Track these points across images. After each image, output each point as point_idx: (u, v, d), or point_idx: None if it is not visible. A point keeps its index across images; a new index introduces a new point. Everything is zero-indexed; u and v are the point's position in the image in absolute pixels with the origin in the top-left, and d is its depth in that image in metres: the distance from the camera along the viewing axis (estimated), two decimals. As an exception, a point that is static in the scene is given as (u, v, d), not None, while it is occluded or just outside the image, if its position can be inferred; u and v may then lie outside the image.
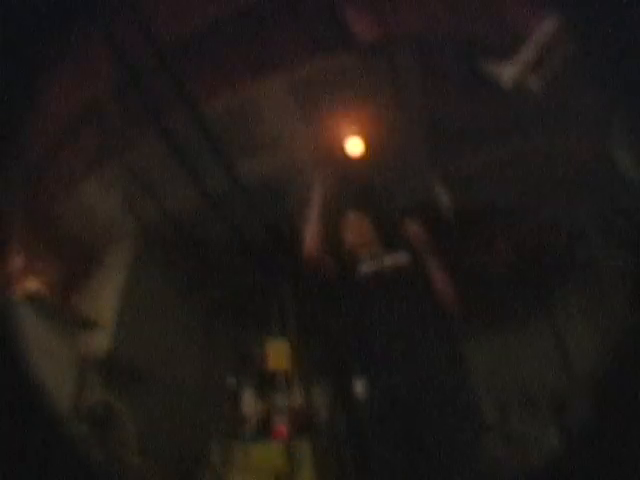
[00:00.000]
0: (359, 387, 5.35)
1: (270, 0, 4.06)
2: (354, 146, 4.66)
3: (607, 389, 1.75)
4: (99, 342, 4.35)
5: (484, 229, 5.42)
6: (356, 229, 3.28)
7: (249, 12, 4.08)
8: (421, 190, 5.23)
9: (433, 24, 3.96)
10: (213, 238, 5.22)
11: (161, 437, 4.35)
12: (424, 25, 3.97)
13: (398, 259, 3.01)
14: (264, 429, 4.78)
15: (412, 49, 4.12)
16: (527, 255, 5.67)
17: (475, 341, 4.67)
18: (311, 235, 2.98)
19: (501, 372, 6.06)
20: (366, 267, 3.04)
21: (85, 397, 4.00)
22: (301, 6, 4.09)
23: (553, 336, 6.25)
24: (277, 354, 5.16)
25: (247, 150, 4.69)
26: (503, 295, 5.71)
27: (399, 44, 4.06)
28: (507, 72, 3.90)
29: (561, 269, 5.85)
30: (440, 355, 2.71)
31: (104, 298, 4.58)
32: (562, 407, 5.81)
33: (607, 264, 5.06)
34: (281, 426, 4.74)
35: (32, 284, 4.09)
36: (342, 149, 4.67)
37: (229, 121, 4.44)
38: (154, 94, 4.19)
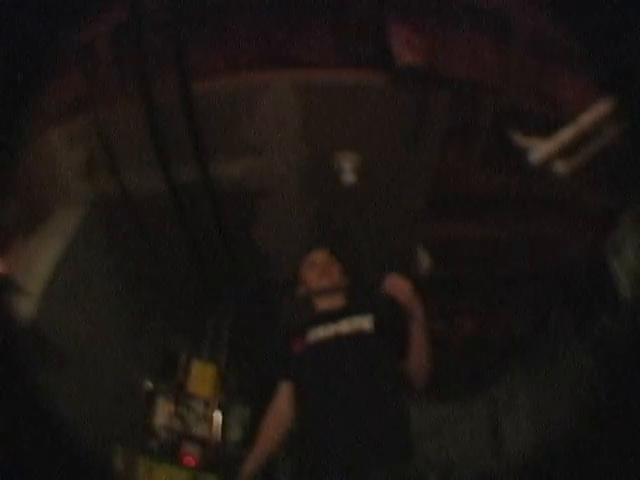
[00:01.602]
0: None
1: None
2: (346, 173, 4.27)
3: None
4: (21, 308, 3.82)
5: (453, 300, 5.26)
6: (321, 270, 3.03)
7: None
8: (402, 242, 4.98)
9: (480, 75, 3.68)
10: (166, 230, 4.72)
11: (65, 425, 3.84)
12: (471, 73, 3.68)
13: (356, 324, 2.72)
14: (173, 450, 4.39)
15: (449, 93, 3.79)
16: (488, 336, 5.62)
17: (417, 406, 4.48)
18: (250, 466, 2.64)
19: (433, 439, 6.09)
20: (321, 333, 2.74)
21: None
22: (343, 10, 3.72)
23: (491, 418, 6.29)
24: (202, 378, 4.82)
25: (228, 147, 4.24)
26: (454, 368, 5.58)
27: (438, 82, 3.73)
28: (539, 149, 3.68)
29: (521, 357, 5.88)
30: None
31: (39, 264, 4.06)
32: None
33: (568, 364, 5.06)
34: (191, 453, 4.36)
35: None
36: (332, 173, 4.29)
37: (219, 111, 3.98)
38: (151, 59, 3.69)
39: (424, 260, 4.83)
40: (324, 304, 2.97)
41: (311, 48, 3.85)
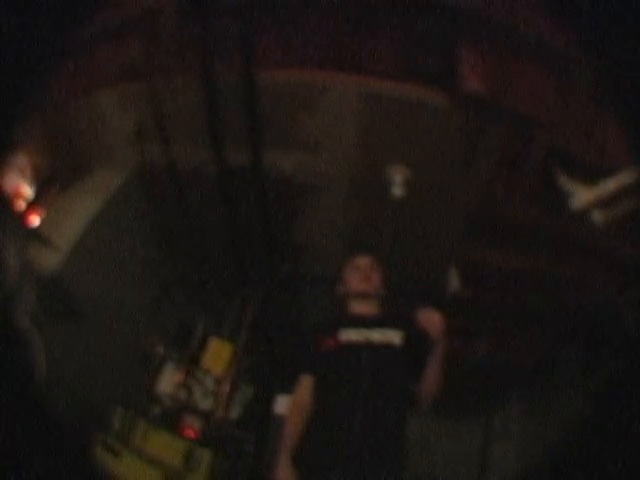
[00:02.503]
0: (279, 406, 5.12)
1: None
2: (396, 186, 4.34)
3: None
4: (48, 262, 3.96)
5: (473, 321, 5.33)
6: (364, 274, 3.08)
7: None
8: (436, 260, 5.09)
9: (539, 112, 3.72)
10: (207, 207, 4.81)
11: (73, 378, 3.90)
12: (530, 109, 3.70)
13: (388, 337, 2.83)
14: (173, 419, 4.52)
15: (506, 125, 3.84)
16: (498, 362, 5.69)
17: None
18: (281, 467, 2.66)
19: (423, 452, 6.15)
20: (354, 336, 2.82)
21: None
22: (415, 24, 3.76)
23: (483, 442, 6.34)
24: (217, 355, 4.93)
25: (283, 139, 4.30)
26: (458, 386, 5.66)
27: (498, 114, 3.77)
28: (581, 195, 3.73)
29: (524, 388, 5.95)
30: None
31: (72, 220, 4.17)
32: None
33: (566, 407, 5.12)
34: (192, 426, 4.48)
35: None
36: (381, 183, 4.36)
37: (279, 103, 4.03)
38: (218, 35, 3.73)
39: (454, 281, 4.92)
40: (359, 308, 3.04)
41: (378, 57, 3.88)
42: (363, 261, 3.17)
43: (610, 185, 3.56)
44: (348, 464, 2.50)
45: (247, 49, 3.69)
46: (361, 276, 3.08)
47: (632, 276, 4.33)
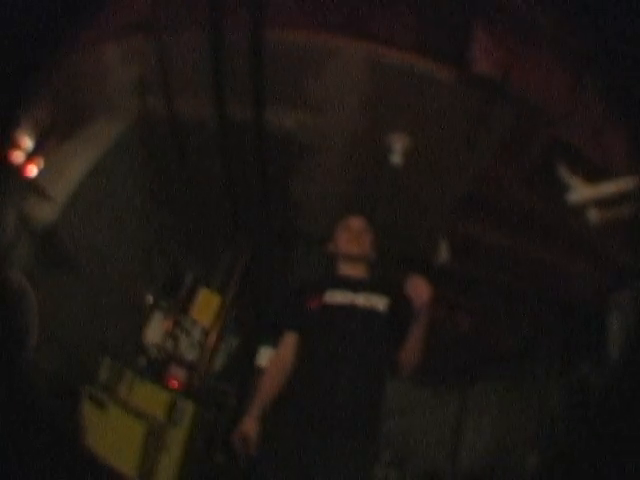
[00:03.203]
0: (262, 358, 5.22)
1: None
2: (395, 154, 4.31)
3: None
4: (44, 213, 3.96)
5: (459, 294, 5.41)
6: (354, 236, 3.01)
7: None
8: (428, 230, 5.10)
9: (547, 102, 3.69)
10: (206, 159, 4.74)
11: (65, 329, 4.00)
12: (539, 97, 3.69)
13: (372, 302, 2.76)
14: (159, 369, 4.59)
15: (513, 110, 3.82)
16: (479, 338, 5.79)
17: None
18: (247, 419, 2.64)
19: (397, 418, 6.29)
20: (339, 298, 2.77)
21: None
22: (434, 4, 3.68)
23: (456, 416, 6.49)
24: (206, 306, 4.95)
25: (287, 98, 4.24)
26: (438, 357, 5.77)
27: (506, 98, 3.73)
28: (580, 190, 3.76)
29: (503, 369, 6.07)
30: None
31: (69, 171, 4.12)
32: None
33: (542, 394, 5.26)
34: (177, 376, 4.56)
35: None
36: (381, 149, 4.32)
37: (287, 62, 3.94)
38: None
39: (444, 252, 4.94)
40: (347, 270, 2.98)
41: (392, 27, 3.81)
42: (355, 223, 3.09)
43: (611, 187, 3.60)
44: (320, 425, 2.51)
45: (256, 5, 3.61)
46: (351, 237, 3.01)
47: (620, 277, 4.43)
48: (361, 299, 2.77)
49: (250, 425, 2.56)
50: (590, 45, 3.35)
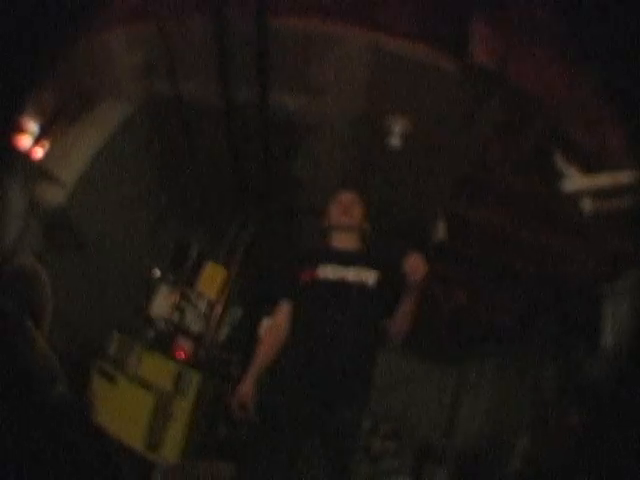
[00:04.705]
0: (264, 329, 5.38)
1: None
2: (394, 136, 4.40)
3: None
4: (52, 196, 4.08)
5: (454, 270, 5.51)
6: (344, 207, 3.15)
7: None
8: (426, 209, 5.23)
9: (543, 92, 3.73)
10: (211, 139, 4.86)
11: (76, 309, 4.12)
12: (535, 88, 3.72)
13: (362, 276, 2.92)
14: (167, 341, 4.78)
15: (509, 98, 3.85)
16: (474, 314, 5.89)
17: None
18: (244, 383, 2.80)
19: (394, 392, 6.40)
20: (330, 273, 2.92)
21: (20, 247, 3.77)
22: None
23: (454, 392, 6.59)
24: (212, 279, 5.10)
25: (290, 81, 4.33)
26: (435, 330, 5.90)
27: (502, 87, 3.79)
28: (574, 180, 3.84)
29: (501, 347, 6.14)
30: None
31: (77, 153, 4.23)
32: (424, 453, 6.25)
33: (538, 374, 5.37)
34: (183, 347, 4.75)
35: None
36: (380, 131, 4.42)
37: (290, 47, 4.02)
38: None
39: (441, 231, 5.05)
40: (339, 242, 3.12)
41: (393, 15, 3.84)
42: (346, 196, 3.22)
43: (606, 179, 3.67)
44: (312, 393, 2.67)
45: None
46: (342, 209, 3.14)
47: (617, 268, 4.51)
48: (351, 274, 2.91)
49: (246, 389, 2.74)
50: (589, 37, 3.43)
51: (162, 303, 4.91)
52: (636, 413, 1.61)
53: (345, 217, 3.11)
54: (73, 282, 4.13)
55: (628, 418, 1.64)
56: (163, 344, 4.76)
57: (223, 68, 4.15)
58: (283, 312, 2.95)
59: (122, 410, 4.21)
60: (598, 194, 3.77)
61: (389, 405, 6.35)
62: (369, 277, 2.90)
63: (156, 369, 4.58)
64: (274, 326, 2.97)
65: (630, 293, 4.25)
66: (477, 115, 4.10)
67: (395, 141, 4.42)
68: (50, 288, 3.24)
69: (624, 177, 3.57)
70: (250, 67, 4.09)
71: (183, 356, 4.74)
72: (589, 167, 3.83)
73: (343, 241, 3.09)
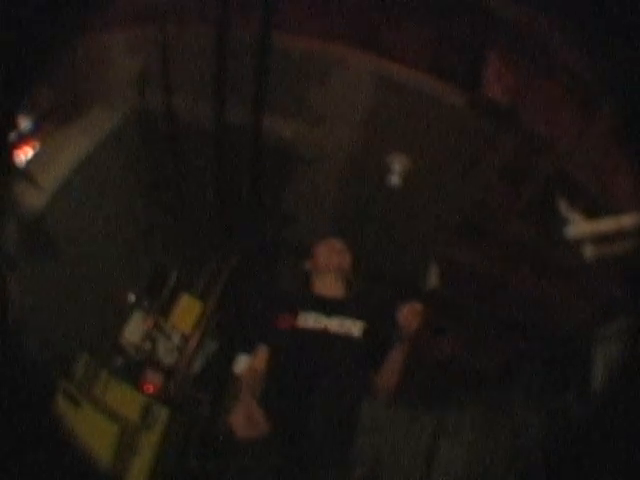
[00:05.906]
0: (239, 365, 5.11)
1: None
2: (394, 175, 4.29)
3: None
4: (32, 199, 3.89)
5: (444, 318, 5.40)
6: (335, 250, 2.96)
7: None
8: (419, 254, 5.10)
9: (554, 134, 3.70)
10: (200, 160, 4.62)
11: (43, 316, 3.87)
12: (547, 128, 3.70)
13: (346, 328, 2.68)
14: (136, 371, 4.46)
15: (518, 138, 3.82)
16: (460, 363, 5.80)
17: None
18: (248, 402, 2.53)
19: (373, 435, 6.27)
20: (312, 322, 2.68)
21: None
22: (448, 20, 3.66)
23: (432, 437, 6.49)
24: (187, 312, 4.84)
25: (288, 106, 4.20)
26: (418, 378, 5.76)
27: (513, 125, 3.74)
28: (576, 226, 3.78)
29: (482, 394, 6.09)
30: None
31: (60, 160, 4.06)
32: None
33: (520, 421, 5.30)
34: (153, 381, 4.45)
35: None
36: (380, 168, 4.32)
37: (291, 69, 3.91)
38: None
39: (434, 277, 4.94)
40: (323, 288, 2.90)
41: (403, 44, 3.78)
42: (335, 243, 3.03)
43: (610, 224, 3.61)
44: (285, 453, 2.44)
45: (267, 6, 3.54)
46: (331, 253, 2.95)
47: (609, 314, 4.47)
48: (334, 324, 2.69)
49: (253, 406, 2.44)
50: (602, 80, 3.40)
51: (134, 330, 4.59)
52: (624, 454, 1.54)
53: (337, 257, 2.92)
54: (43, 289, 3.93)
55: (616, 459, 1.56)
56: (132, 373, 4.45)
57: (219, 84, 3.96)
58: (261, 357, 2.70)
59: (87, 435, 3.90)
60: (600, 239, 3.70)
61: (364, 449, 6.17)
62: (354, 328, 2.69)
63: (123, 399, 4.28)
64: (253, 371, 2.68)
65: (621, 338, 4.20)
66: (483, 154, 4.04)
67: (395, 180, 4.32)
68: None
69: (627, 221, 3.52)
70: (248, 87, 3.90)
71: (152, 390, 4.42)
72: (592, 210, 3.78)
73: (327, 287, 2.88)
